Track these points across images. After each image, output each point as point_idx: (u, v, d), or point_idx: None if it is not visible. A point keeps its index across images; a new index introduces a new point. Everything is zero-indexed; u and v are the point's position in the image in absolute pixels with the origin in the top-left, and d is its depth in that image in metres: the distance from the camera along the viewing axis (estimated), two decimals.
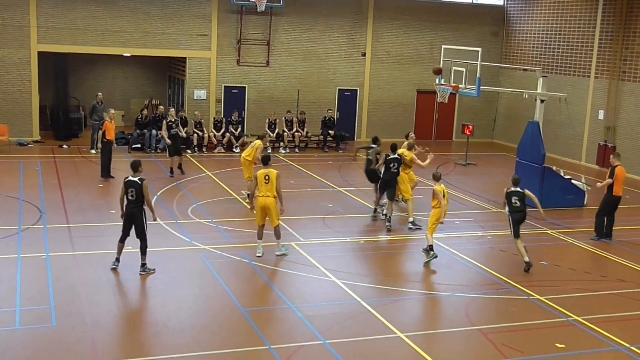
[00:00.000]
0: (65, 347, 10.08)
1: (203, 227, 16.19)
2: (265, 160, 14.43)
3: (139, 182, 12.85)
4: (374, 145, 17.99)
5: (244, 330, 10.96)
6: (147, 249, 13.03)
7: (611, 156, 17.32)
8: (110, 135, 20.55)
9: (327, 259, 14.36)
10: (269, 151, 26.25)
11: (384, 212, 17.29)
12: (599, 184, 17.05)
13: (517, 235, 14.43)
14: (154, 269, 13.09)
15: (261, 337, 10.62)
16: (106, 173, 20.34)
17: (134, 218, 12.92)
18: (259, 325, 11.06)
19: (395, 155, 16.96)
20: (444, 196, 14.59)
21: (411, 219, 17.03)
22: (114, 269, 13.04)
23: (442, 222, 14.80)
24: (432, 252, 14.57)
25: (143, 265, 13.03)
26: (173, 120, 21.45)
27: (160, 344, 10.32)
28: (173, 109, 22.40)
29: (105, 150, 20.43)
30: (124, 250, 13.19)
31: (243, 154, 18.49)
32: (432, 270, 14.51)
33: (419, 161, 17.45)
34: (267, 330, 10.90)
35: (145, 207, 13.00)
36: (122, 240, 13.10)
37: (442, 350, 10.65)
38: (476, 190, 20.21)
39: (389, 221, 16.92)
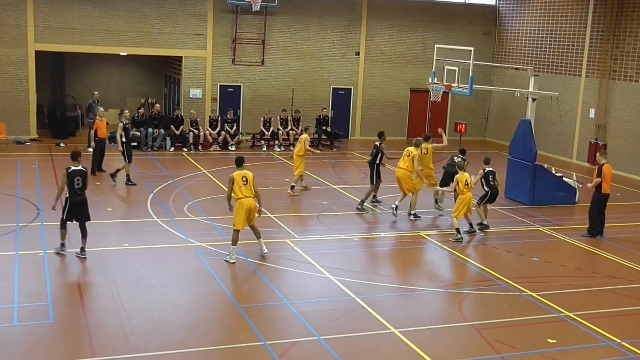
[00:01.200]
0: (63, 344, 10.16)
1: (199, 224, 16.30)
2: (239, 162, 14.09)
3: (85, 170, 13.67)
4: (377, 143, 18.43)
5: (239, 326, 11.06)
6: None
7: (598, 154, 17.42)
8: (102, 133, 20.71)
9: (322, 255, 14.48)
10: (264, 149, 26.46)
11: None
12: (589, 185, 17.22)
13: (490, 202, 17.39)
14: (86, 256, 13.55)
15: (257, 333, 10.70)
16: (96, 170, 20.56)
17: (83, 205, 13.62)
18: (255, 321, 11.15)
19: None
20: (466, 184, 16.10)
21: (413, 211, 17.73)
22: (62, 255, 13.55)
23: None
24: (459, 235, 15.92)
25: (83, 249, 13.56)
26: (129, 123, 20.59)
27: (157, 340, 10.38)
28: (127, 111, 21.44)
29: (97, 148, 20.64)
30: (120, 248, 13.33)
31: (295, 151, 19.79)
32: (425, 267, 14.72)
33: (415, 163, 17.42)
34: (262, 327, 10.98)
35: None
36: (65, 227, 13.68)
37: (435, 346, 10.72)
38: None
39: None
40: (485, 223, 17.09)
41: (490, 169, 17.27)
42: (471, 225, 16.50)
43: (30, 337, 10.30)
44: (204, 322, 11.17)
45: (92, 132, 20.83)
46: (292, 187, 19.58)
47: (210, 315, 11.52)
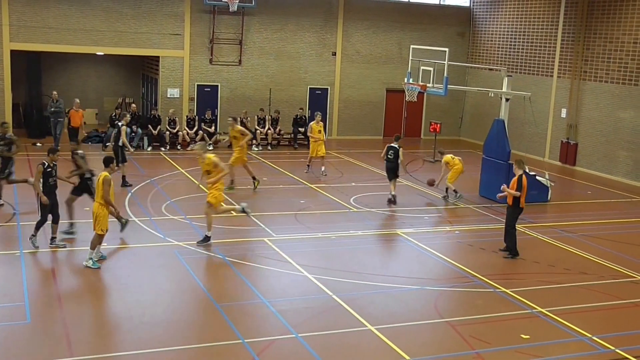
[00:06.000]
0: (40, 344, 10.14)
1: (177, 223, 16.33)
2: (104, 162, 13.45)
3: None
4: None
5: (217, 324, 11.12)
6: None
7: (515, 165, 15.43)
8: (74, 122, 23.66)
9: (299, 254, 14.58)
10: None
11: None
12: (507, 191, 15.10)
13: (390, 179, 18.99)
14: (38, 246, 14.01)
15: (235, 331, 10.77)
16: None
17: None
18: (233, 319, 11.21)
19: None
20: (447, 163, 19.20)
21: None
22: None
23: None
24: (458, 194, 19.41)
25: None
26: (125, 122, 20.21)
27: (135, 339, 10.42)
28: (128, 115, 21.31)
29: (69, 134, 23.60)
30: (106, 247, 13.39)
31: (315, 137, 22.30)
32: (401, 264, 14.86)
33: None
34: (240, 325, 11.05)
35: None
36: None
37: (411, 343, 10.84)
38: (444, 186, 20.52)
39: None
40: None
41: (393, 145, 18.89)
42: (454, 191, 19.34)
43: (7, 338, 10.29)
44: (182, 321, 11.24)
45: (66, 120, 24.22)
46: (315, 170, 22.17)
47: (188, 313, 11.58)
